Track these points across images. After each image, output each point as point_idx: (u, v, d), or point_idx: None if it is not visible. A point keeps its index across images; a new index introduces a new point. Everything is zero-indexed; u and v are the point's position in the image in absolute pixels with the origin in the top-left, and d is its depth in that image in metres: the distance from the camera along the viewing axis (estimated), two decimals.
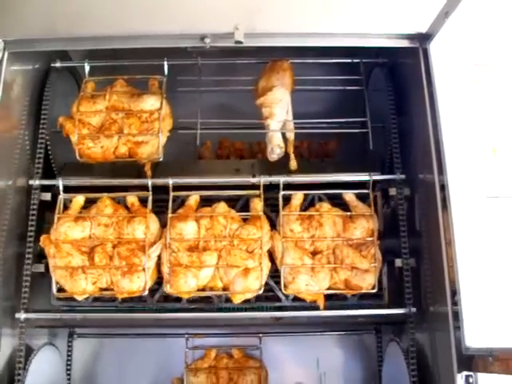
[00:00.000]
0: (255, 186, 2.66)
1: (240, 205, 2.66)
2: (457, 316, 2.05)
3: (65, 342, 3.04)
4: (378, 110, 2.74)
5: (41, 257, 2.57)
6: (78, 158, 2.51)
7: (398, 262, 2.54)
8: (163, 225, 2.52)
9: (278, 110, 2.60)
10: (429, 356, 2.40)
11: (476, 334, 1.98)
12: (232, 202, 2.64)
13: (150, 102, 2.57)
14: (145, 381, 3.06)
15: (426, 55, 2.35)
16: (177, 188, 2.61)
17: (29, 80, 2.68)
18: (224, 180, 2.65)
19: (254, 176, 2.68)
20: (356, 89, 2.78)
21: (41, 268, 2.55)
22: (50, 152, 2.71)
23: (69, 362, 3.02)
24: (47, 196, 2.65)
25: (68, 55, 2.92)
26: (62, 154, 2.71)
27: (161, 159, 2.52)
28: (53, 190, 2.68)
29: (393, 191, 2.62)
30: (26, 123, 2.66)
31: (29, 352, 2.53)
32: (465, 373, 1.98)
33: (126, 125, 2.53)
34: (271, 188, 2.63)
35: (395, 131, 2.67)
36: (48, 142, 2.69)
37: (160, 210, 2.59)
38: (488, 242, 2.08)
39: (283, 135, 2.62)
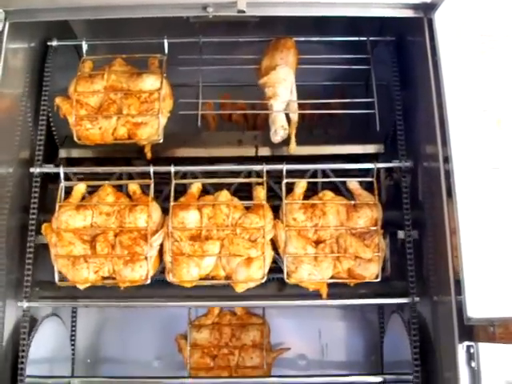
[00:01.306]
0: (258, 158, 2.64)
1: (242, 177, 2.64)
2: (459, 287, 2.03)
3: (69, 313, 3.05)
4: (380, 78, 2.68)
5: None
6: (75, 139, 2.46)
7: (401, 234, 2.53)
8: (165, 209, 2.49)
9: (282, 89, 2.54)
10: (430, 327, 2.40)
11: (477, 305, 1.97)
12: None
13: (150, 82, 2.50)
14: (149, 348, 3.10)
15: (431, 25, 2.28)
16: (180, 160, 2.60)
17: (30, 53, 2.61)
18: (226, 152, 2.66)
19: (256, 148, 2.65)
20: (363, 68, 2.69)
21: (44, 240, 2.52)
22: (52, 124, 2.67)
23: (73, 332, 3.05)
24: (50, 168, 2.62)
25: (70, 30, 2.85)
26: (65, 126, 2.61)
27: (161, 141, 2.47)
28: (55, 161, 2.66)
29: (396, 163, 2.59)
30: (28, 95, 2.60)
31: (33, 323, 2.54)
32: (466, 343, 1.98)
33: (124, 105, 2.47)
34: (274, 159, 2.61)
35: (399, 105, 2.63)
36: (50, 114, 2.64)
37: (162, 182, 2.56)
38: (492, 213, 2.05)
39: (287, 116, 2.55)
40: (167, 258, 2.40)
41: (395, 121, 2.62)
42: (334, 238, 2.45)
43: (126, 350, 3.08)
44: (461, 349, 1.98)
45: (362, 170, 2.64)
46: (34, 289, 2.54)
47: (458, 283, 2.03)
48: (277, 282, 2.57)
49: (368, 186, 2.55)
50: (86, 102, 2.48)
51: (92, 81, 2.52)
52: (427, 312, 2.42)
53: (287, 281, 2.40)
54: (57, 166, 2.63)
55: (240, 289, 2.41)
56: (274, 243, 2.47)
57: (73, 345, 3.05)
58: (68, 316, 3.03)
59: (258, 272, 2.38)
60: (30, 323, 2.50)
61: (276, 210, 2.52)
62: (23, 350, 2.44)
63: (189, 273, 2.38)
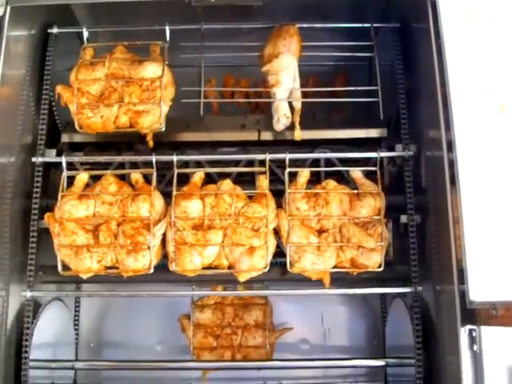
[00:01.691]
0: (261, 142, 2.63)
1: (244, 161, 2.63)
2: (461, 272, 2.02)
3: (72, 297, 3.06)
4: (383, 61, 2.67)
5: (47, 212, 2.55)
6: (77, 128, 2.45)
7: (404, 219, 2.52)
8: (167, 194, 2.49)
9: (285, 77, 2.51)
10: (432, 312, 2.40)
11: (480, 288, 1.96)
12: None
13: (152, 70, 2.47)
14: (152, 333, 3.12)
15: (435, 9, 2.25)
16: (182, 144, 2.62)
17: (32, 39, 2.59)
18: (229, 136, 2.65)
19: (259, 132, 2.64)
20: (367, 55, 2.67)
21: (47, 224, 2.52)
22: (54, 109, 2.66)
23: (76, 317, 3.06)
24: (52, 153, 2.62)
25: (73, 16, 2.83)
26: (67, 111, 2.58)
27: (163, 129, 2.46)
28: (58, 146, 2.67)
29: (399, 148, 2.58)
30: (30, 81, 2.59)
31: (36, 307, 2.54)
32: (468, 326, 1.98)
33: (126, 93, 2.44)
34: (277, 144, 2.62)
35: (402, 90, 2.60)
36: (52, 100, 2.63)
37: (165, 167, 2.56)
38: (495, 197, 2.05)
39: (290, 104, 2.53)
40: (170, 247, 2.39)
41: (398, 105, 2.59)
42: (337, 227, 2.43)
43: (129, 334, 3.09)
44: (463, 332, 1.98)
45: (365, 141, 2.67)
46: (38, 273, 2.54)
47: (461, 270, 2.01)
48: (279, 267, 2.56)
49: (370, 172, 2.53)
50: (87, 90, 2.45)
51: (93, 68, 2.49)
52: (429, 296, 2.42)
53: (290, 270, 2.39)
54: (59, 151, 2.64)
55: (243, 278, 2.41)
56: (276, 232, 2.46)
57: (76, 329, 3.06)
58: (71, 300, 3.04)
59: (260, 261, 2.38)
60: (34, 308, 2.49)
61: (279, 195, 2.51)
62: (27, 334, 2.44)
63: (192, 262, 2.38)
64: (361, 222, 2.44)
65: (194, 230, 2.40)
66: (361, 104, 2.70)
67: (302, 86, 2.61)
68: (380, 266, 2.40)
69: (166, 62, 2.48)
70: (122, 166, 2.64)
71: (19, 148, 2.52)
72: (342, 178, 2.59)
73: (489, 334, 1.94)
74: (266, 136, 2.67)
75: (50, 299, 2.66)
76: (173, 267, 2.39)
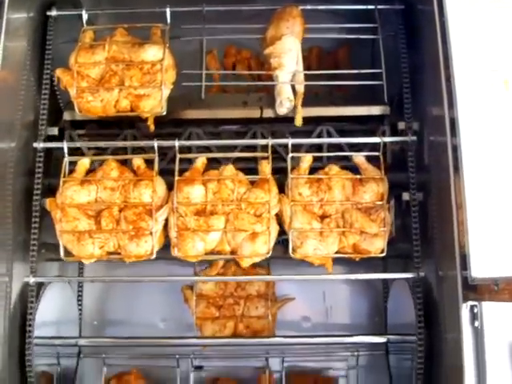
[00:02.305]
0: (263, 120, 2.62)
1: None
2: (463, 247, 2.03)
3: (75, 275, 3.05)
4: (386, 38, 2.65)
5: (49, 192, 2.56)
6: (77, 112, 2.43)
7: (406, 196, 2.51)
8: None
9: (288, 60, 2.49)
10: (434, 289, 2.40)
11: (482, 265, 1.97)
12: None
13: (152, 53, 2.44)
14: (155, 310, 3.12)
15: None
16: (185, 121, 2.61)
17: (32, 20, 2.57)
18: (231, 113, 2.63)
19: (261, 109, 2.62)
20: (371, 37, 2.64)
21: None
22: (55, 88, 2.64)
23: (79, 295, 3.06)
24: (54, 131, 2.62)
25: None
26: None
27: (164, 113, 2.44)
28: (60, 123, 2.65)
29: (402, 125, 2.58)
30: (32, 58, 2.57)
31: (40, 285, 2.54)
32: (470, 303, 1.98)
33: (126, 77, 2.42)
34: (279, 121, 2.60)
35: (406, 69, 2.59)
36: (53, 79, 2.61)
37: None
38: (497, 174, 2.04)
39: (292, 88, 2.51)
40: (172, 233, 2.39)
41: (401, 83, 2.58)
42: (340, 212, 2.43)
43: (132, 311, 3.09)
44: (464, 308, 1.98)
45: (367, 131, 2.65)
46: (41, 251, 2.54)
47: (463, 247, 2.02)
48: (282, 245, 2.54)
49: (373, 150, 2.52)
50: (87, 73, 2.43)
51: (93, 51, 2.46)
52: (431, 274, 2.42)
53: (292, 256, 2.40)
54: (61, 129, 2.64)
55: (245, 264, 2.41)
56: (279, 218, 2.46)
57: (79, 307, 3.06)
58: (75, 281, 3.04)
59: (263, 247, 2.38)
60: (37, 286, 2.50)
61: (280, 172, 2.51)
62: (31, 313, 2.45)
63: (194, 248, 2.38)
64: (363, 208, 2.43)
65: (197, 215, 2.40)
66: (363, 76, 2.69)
67: (304, 57, 2.59)
68: (382, 252, 2.41)
69: (167, 45, 2.45)
70: (123, 149, 2.65)
71: (21, 126, 2.51)
72: (345, 158, 2.59)
73: (490, 309, 1.94)
74: (269, 113, 2.63)
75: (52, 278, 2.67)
76: (175, 253, 2.39)
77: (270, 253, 2.39)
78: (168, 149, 2.57)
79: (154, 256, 2.39)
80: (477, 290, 1.98)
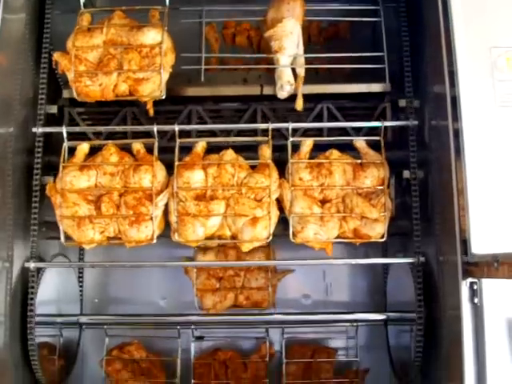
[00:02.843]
0: (263, 97, 2.62)
1: (248, 116, 2.63)
2: (463, 224, 2.05)
3: (76, 253, 3.06)
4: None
5: (49, 169, 2.57)
6: (75, 96, 2.42)
7: (406, 174, 2.51)
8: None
9: (289, 43, 2.47)
10: (434, 267, 2.41)
11: (482, 242, 1.99)
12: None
13: (151, 36, 2.41)
14: (155, 288, 3.14)
15: None
16: (185, 99, 2.60)
17: None
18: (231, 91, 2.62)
19: (261, 87, 2.59)
20: (373, 20, 2.61)
21: (49, 180, 2.53)
22: (55, 67, 2.58)
23: (80, 273, 3.07)
24: (53, 109, 2.61)
25: None
26: None
27: (163, 97, 2.42)
28: (59, 102, 2.64)
29: (402, 103, 2.57)
30: (30, 36, 2.57)
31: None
32: (469, 279, 2.00)
33: (125, 60, 2.39)
34: (278, 98, 2.56)
35: (407, 48, 2.58)
36: (52, 52, 2.57)
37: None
38: (498, 151, 2.06)
39: (293, 71, 2.48)
40: (172, 218, 2.39)
41: (402, 59, 2.57)
42: (340, 197, 2.43)
43: (133, 289, 3.11)
44: (464, 285, 2.00)
45: (368, 108, 2.64)
46: (41, 229, 2.55)
47: (463, 232, 2.04)
48: (282, 223, 2.53)
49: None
50: (85, 57, 2.41)
51: (91, 35, 2.43)
52: (432, 252, 2.42)
53: (293, 240, 2.40)
54: (60, 107, 2.64)
55: (246, 248, 2.41)
56: (279, 203, 2.45)
57: (80, 285, 3.07)
58: (75, 256, 3.04)
59: (263, 232, 2.38)
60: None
61: (281, 150, 2.50)
62: (32, 292, 2.46)
63: (194, 233, 2.38)
64: (364, 193, 2.43)
65: (197, 200, 2.40)
66: (364, 57, 2.67)
67: (304, 28, 2.56)
68: (383, 237, 2.41)
69: (166, 28, 2.42)
70: (123, 121, 2.65)
71: (20, 105, 2.50)
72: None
73: (490, 286, 1.96)
74: (269, 90, 2.61)
75: (53, 255, 2.67)
76: (175, 238, 2.39)
77: (271, 237, 2.39)
78: (168, 124, 2.56)
79: (155, 241, 2.39)
80: (476, 267, 1.98)
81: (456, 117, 2.09)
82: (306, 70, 2.53)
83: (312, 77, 2.60)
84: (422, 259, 2.41)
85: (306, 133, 2.61)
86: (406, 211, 2.54)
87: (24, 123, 2.53)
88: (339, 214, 2.40)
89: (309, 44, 2.73)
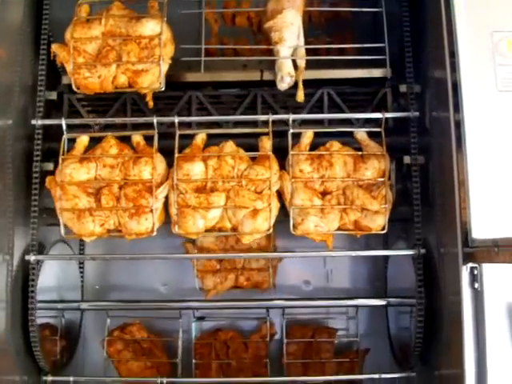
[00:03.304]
0: (263, 83, 2.61)
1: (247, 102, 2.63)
2: (464, 209, 2.05)
3: (77, 240, 3.02)
4: None
5: (49, 155, 2.56)
6: (74, 88, 2.41)
7: (407, 159, 2.51)
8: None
9: (289, 34, 2.44)
10: (435, 252, 2.42)
11: (482, 227, 2.00)
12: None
13: (150, 27, 2.38)
14: (156, 274, 3.14)
15: None
16: (184, 84, 2.60)
17: None
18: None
19: (261, 72, 2.58)
20: (375, 10, 2.59)
21: (50, 166, 2.54)
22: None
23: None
24: (53, 95, 2.60)
25: None
26: None
27: (163, 89, 2.41)
28: (59, 88, 2.63)
29: (403, 88, 2.56)
30: (28, 24, 2.56)
31: (41, 249, 2.56)
32: (470, 264, 2.01)
33: (124, 52, 2.37)
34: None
35: (408, 33, 2.56)
36: (51, 39, 2.60)
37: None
38: (499, 134, 2.06)
39: (293, 62, 2.46)
40: (173, 210, 2.39)
41: (403, 44, 2.56)
42: (341, 189, 2.42)
43: (134, 276, 3.10)
44: (465, 271, 2.01)
45: (369, 93, 2.64)
46: (42, 215, 2.54)
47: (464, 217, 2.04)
48: (283, 209, 2.52)
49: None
50: (84, 48, 2.38)
51: (89, 26, 2.40)
52: (431, 237, 2.43)
53: (293, 233, 2.40)
54: (60, 93, 2.62)
55: (246, 240, 2.41)
56: (280, 195, 2.45)
57: (81, 271, 3.08)
58: (76, 243, 3.03)
59: (263, 224, 2.37)
60: (39, 249, 2.51)
61: (281, 136, 2.49)
62: (33, 279, 2.46)
63: (195, 225, 2.37)
64: (365, 184, 2.42)
65: (197, 192, 2.39)
66: (365, 40, 2.64)
67: (304, 11, 2.53)
68: (383, 229, 2.40)
69: (165, 19, 2.40)
70: (123, 107, 2.63)
71: (19, 91, 2.50)
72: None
73: (490, 271, 1.97)
74: (269, 76, 2.58)
75: (54, 241, 2.66)
76: (176, 230, 2.39)
77: (271, 230, 2.39)
78: (168, 111, 2.59)
79: (155, 233, 2.39)
80: (477, 252, 1.99)
81: (457, 101, 2.08)
82: (307, 54, 2.50)
83: (312, 61, 2.56)
84: (423, 251, 2.41)
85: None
86: (406, 197, 2.53)
87: (23, 110, 2.52)
88: (340, 206, 2.40)
89: (309, 24, 2.69)
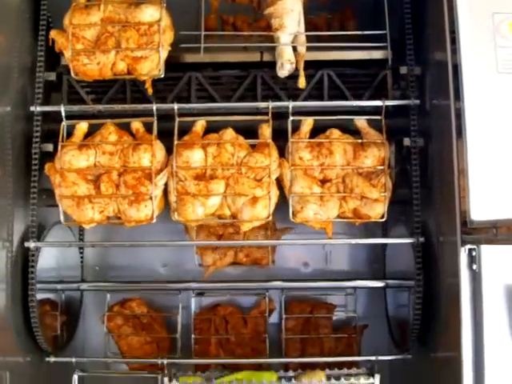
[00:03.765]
0: (263, 64, 2.59)
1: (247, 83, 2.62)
2: (463, 191, 2.06)
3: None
4: None
5: (49, 136, 2.56)
6: (73, 75, 2.40)
7: (407, 142, 2.50)
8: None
9: (289, 21, 2.42)
10: (433, 235, 2.43)
11: (481, 208, 2.00)
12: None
13: (149, 13, 2.37)
14: (156, 255, 3.16)
15: None
16: (184, 65, 2.59)
17: None
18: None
19: (261, 53, 2.56)
20: None
21: (49, 147, 2.54)
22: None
23: (81, 239, 3.06)
24: (52, 76, 2.59)
25: None
26: None
27: (162, 76, 2.40)
28: (58, 69, 2.60)
29: (403, 70, 2.55)
30: (27, 6, 2.55)
31: (41, 230, 2.57)
32: (468, 246, 2.02)
33: (123, 38, 2.35)
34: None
35: (409, 15, 2.55)
36: (50, 20, 2.60)
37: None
38: (499, 114, 2.06)
39: (294, 49, 2.45)
40: (172, 197, 2.39)
41: (404, 25, 2.54)
42: (341, 177, 2.42)
43: (133, 257, 3.11)
44: (463, 252, 2.02)
45: (369, 75, 2.62)
46: (42, 197, 2.55)
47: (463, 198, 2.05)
48: (282, 192, 2.53)
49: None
50: (83, 35, 2.36)
51: (88, 12, 2.38)
52: (431, 220, 2.44)
53: (292, 220, 2.40)
54: (59, 74, 2.60)
55: (246, 228, 2.42)
56: (279, 182, 2.45)
57: (81, 252, 3.09)
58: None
59: (263, 211, 2.38)
60: (38, 230, 2.52)
61: (280, 117, 2.48)
62: (32, 266, 2.47)
63: (194, 212, 2.38)
64: (364, 172, 2.42)
65: (196, 180, 2.39)
66: (365, 22, 2.64)
67: None
68: (383, 217, 2.41)
69: (164, 5, 2.38)
70: (123, 87, 2.61)
71: (18, 72, 2.49)
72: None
73: (488, 252, 1.97)
74: (269, 57, 2.57)
75: (53, 222, 2.65)
76: (175, 217, 2.40)
77: (271, 217, 2.40)
78: (167, 92, 2.59)
79: (154, 221, 2.39)
80: (476, 233, 2.00)
81: (457, 83, 2.07)
82: (307, 36, 2.49)
83: (313, 40, 2.55)
84: (422, 239, 2.42)
85: (307, 100, 2.59)
86: (405, 179, 2.53)
87: (22, 92, 2.52)
88: (339, 193, 2.40)
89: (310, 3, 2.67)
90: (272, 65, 2.51)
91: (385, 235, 2.97)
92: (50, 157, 2.50)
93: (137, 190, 2.36)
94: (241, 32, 2.84)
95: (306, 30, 2.50)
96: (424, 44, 2.47)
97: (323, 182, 2.43)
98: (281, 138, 2.46)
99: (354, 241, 2.59)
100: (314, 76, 2.59)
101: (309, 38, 2.50)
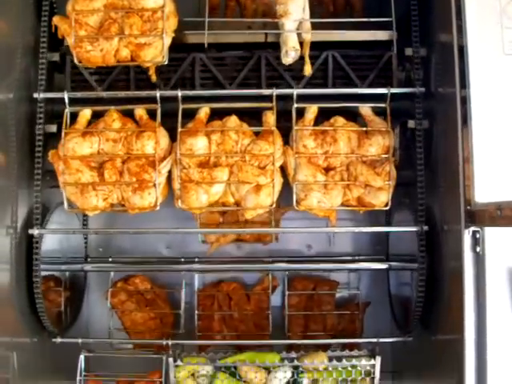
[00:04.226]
0: (267, 44, 2.57)
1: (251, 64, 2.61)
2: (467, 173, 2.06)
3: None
4: None
5: (53, 118, 2.56)
6: (76, 62, 2.37)
7: (411, 123, 2.49)
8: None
9: (294, 7, 2.37)
10: (437, 216, 2.43)
11: (485, 190, 2.01)
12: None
13: None
14: (159, 237, 3.16)
15: None
16: (188, 46, 2.57)
17: None
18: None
19: (266, 35, 2.54)
20: None
21: (53, 128, 2.54)
22: (56, 11, 2.58)
23: (84, 222, 3.06)
24: (55, 56, 2.57)
25: None
26: None
27: (166, 62, 2.38)
28: (61, 49, 2.58)
29: (409, 51, 2.53)
30: None
31: (45, 211, 2.58)
32: (472, 228, 2.02)
33: (126, 25, 2.33)
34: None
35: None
36: (55, 4, 2.58)
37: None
38: (505, 96, 2.05)
39: (299, 36, 2.41)
40: (176, 185, 2.39)
41: (409, 7, 2.52)
42: (345, 165, 2.42)
43: (137, 238, 3.11)
44: (467, 234, 2.02)
45: (374, 56, 2.60)
46: (45, 178, 2.54)
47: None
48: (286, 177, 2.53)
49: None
50: (86, 21, 2.34)
51: None
52: (435, 203, 2.44)
53: (296, 208, 2.40)
54: (62, 54, 2.58)
55: (249, 216, 2.43)
56: (283, 170, 2.44)
57: (85, 234, 3.10)
58: None
59: (267, 199, 2.38)
60: (42, 212, 2.52)
61: (283, 99, 2.47)
62: (36, 253, 2.48)
63: (198, 200, 2.38)
64: (369, 161, 2.41)
65: (200, 167, 2.39)
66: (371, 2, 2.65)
67: None
68: (387, 205, 2.41)
69: None
70: (126, 68, 2.59)
71: (21, 52, 2.48)
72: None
73: (492, 234, 1.98)
74: (274, 38, 2.54)
75: (57, 203, 2.66)
76: (179, 204, 2.40)
77: (274, 205, 2.40)
78: (171, 73, 2.58)
79: (158, 208, 2.39)
80: (479, 215, 2.00)
81: (463, 65, 2.06)
82: (312, 17, 2.46)
83: (317, 24, 2.51)
84: (426, 228, 2.41)
85: (311, 82, 2.57)
86: (409, 161, 2.52)
87: (26, 72, 2.51)
88: (343, 182, 2.40)
89: None
90: (276, 45, 2.48)
91: (388, 218, 2.97)
92: (53, 138, 2.51)
93: (140, 177, 2.36)
94: (244, 9, 2.80)
95: (311, 5, 2.46)
96: (430, 25, 2.44)
97: (327, 169, 2.42)
98: (284, 120, 2.46)
99: (357, 229, 2.58)
100: (319, 57, 2.57)
101: (313, 23, 2.47)
